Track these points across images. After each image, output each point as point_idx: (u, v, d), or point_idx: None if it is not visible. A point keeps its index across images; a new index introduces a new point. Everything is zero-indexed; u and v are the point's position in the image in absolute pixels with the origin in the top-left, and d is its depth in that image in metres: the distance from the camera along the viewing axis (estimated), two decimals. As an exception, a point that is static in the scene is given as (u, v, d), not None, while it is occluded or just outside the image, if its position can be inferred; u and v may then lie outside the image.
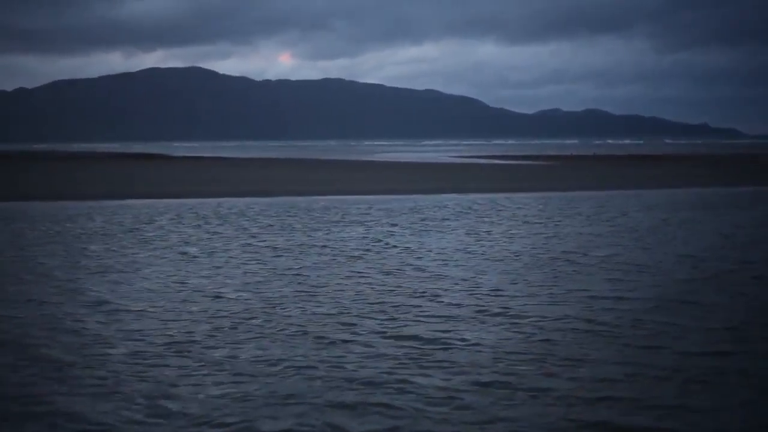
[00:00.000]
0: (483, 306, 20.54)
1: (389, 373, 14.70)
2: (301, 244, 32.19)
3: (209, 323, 18.82)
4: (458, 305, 20.63)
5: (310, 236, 34.77)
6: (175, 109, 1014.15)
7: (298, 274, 25.30)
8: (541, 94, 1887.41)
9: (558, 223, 40.07)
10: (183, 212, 46.06)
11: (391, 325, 18.56)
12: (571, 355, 15.90)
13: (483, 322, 18.85)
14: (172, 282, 24.06)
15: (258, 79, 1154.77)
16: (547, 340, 17.13)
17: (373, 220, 41.24)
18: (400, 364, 15.39)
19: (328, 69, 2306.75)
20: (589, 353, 16.11)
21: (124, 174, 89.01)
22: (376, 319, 19.21)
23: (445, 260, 28.06)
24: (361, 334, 17.74)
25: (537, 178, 78.51)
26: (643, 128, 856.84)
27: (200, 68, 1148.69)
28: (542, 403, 13.22)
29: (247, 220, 41.49)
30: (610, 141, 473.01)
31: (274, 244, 32.46)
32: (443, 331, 17.93)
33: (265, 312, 19.91)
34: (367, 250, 30.72)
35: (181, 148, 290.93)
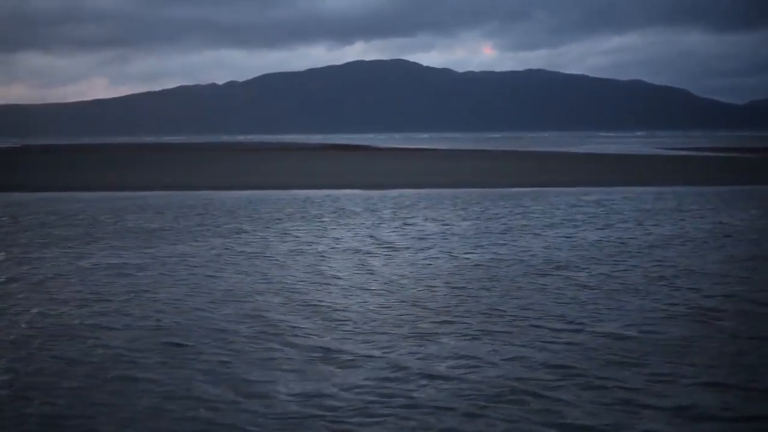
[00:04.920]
0: (690, 291, 21.58)
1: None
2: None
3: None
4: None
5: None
6: (380, 101, 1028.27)
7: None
8: (752, 84, 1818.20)
9: None
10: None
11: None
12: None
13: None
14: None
15: (461, 70, 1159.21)
16: None
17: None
18: None
19: (529, 60, 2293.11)
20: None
21: (336, 164, 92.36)
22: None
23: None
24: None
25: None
26: None
27: (404, 60, 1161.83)
28: None
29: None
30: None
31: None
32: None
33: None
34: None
35: (386, 140, 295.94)
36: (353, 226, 36.36)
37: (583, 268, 25.09)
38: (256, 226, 36.55)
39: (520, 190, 56.71)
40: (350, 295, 21.40)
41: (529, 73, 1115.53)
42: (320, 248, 29.84)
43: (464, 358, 15.38)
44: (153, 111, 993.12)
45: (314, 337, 17.15)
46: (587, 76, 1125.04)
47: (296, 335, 17.30)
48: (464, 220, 38.66)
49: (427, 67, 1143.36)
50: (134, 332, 17.71)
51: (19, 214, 42.80)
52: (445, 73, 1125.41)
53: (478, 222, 37.71)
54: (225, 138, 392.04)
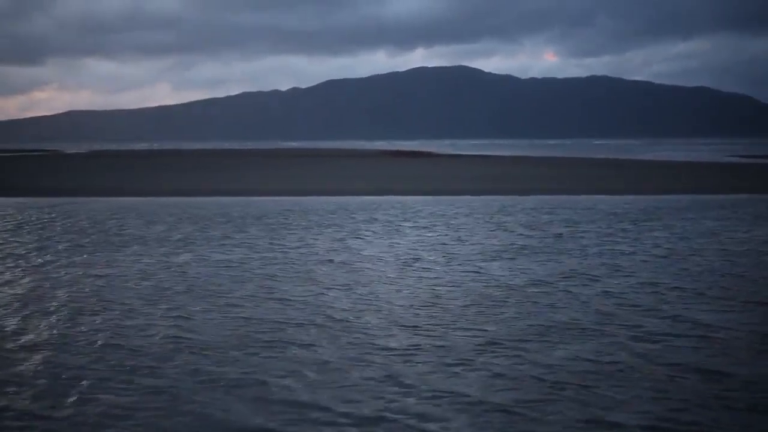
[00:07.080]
0: None
1: None
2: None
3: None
4: None
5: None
6: (442, 108, 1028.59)
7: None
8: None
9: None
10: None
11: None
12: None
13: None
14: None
15: (523, 77, 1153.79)
16: None
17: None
18: None
19: (592, 66, 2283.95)
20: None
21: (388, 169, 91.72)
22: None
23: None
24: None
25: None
26: None
27: (466, 67, 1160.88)
28: None
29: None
30: None
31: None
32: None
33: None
34: None
35: (447, 146, 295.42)
36: (371, 234, 35.36)
37: (589, 284, 23.74)
38: (274, 235, 35.59)
39: (560, 198, 55.13)
40: (326, 306, 20.27)
41: (593, 79, 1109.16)
42: (323, 258, 28.80)
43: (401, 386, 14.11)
44: (216, 117, 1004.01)
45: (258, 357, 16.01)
46: (652, 82, 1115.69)
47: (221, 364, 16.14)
48: (486, 231, 37.28)
49: (490, 74, 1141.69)
50: (69, 347, 16.76)
51: (54, 219, 42.41)
52: (507, 79, 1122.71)
53: (499, 232, 36.35)
54: (285, 144, 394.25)
